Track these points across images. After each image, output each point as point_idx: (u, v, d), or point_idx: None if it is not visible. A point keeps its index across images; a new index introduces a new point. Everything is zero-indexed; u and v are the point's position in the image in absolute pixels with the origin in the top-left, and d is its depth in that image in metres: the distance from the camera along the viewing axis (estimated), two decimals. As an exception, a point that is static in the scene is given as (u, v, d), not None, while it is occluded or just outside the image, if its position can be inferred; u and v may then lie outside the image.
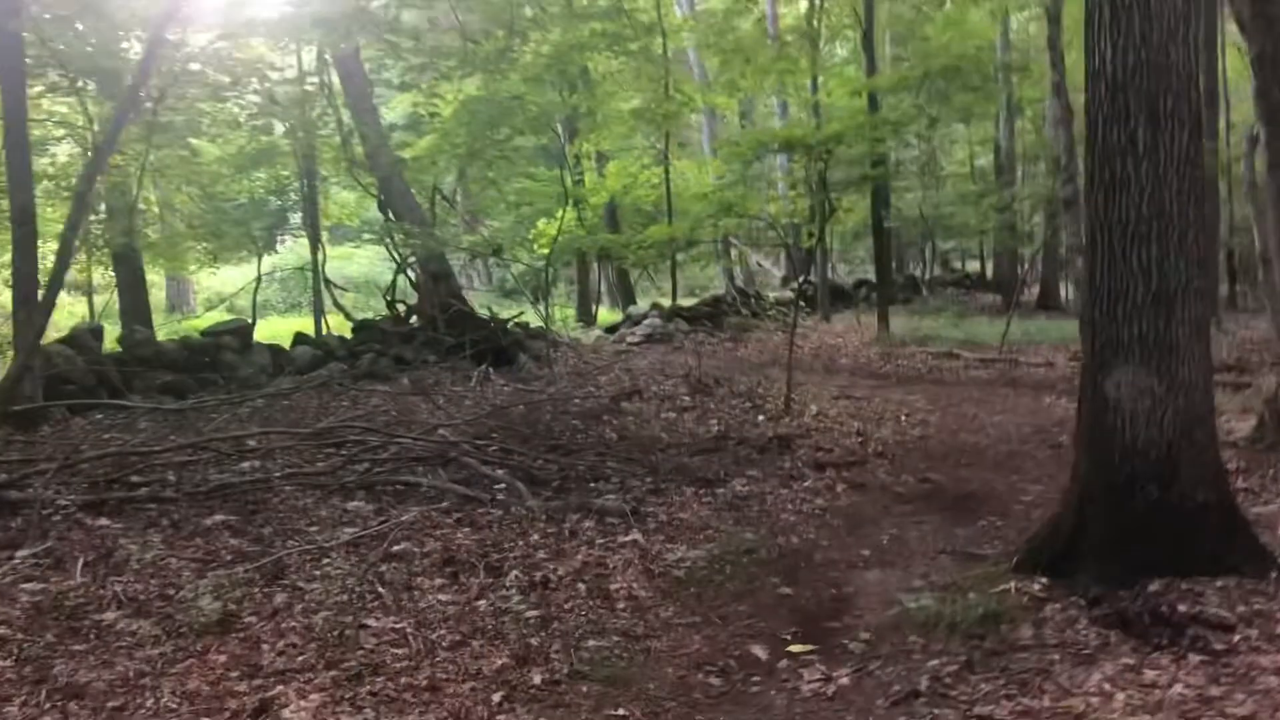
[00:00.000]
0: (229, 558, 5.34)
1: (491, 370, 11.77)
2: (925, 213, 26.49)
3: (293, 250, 25.05)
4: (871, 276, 28.84)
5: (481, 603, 4.60)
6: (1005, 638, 3.90)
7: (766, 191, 20.82)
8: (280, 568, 5.12)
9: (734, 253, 29.30)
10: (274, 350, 11.46)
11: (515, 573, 4.96)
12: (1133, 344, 4.30)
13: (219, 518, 6.09)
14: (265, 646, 4.02)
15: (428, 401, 9.92)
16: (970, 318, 21.51)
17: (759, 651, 4.08)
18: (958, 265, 35.40)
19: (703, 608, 4.58)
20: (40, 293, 7.81)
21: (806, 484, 6.84)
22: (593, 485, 6.77)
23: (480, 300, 24.28)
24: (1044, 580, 4.31)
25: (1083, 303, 4.42)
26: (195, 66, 12.82)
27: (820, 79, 20.43)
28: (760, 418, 9.24)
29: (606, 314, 21.38)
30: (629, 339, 16.91)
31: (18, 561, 5.06)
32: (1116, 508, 4.26)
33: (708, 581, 4.89)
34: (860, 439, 8.21)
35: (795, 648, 4.11)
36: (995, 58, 21.91)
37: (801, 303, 22.47)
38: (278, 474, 6.97)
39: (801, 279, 22.65)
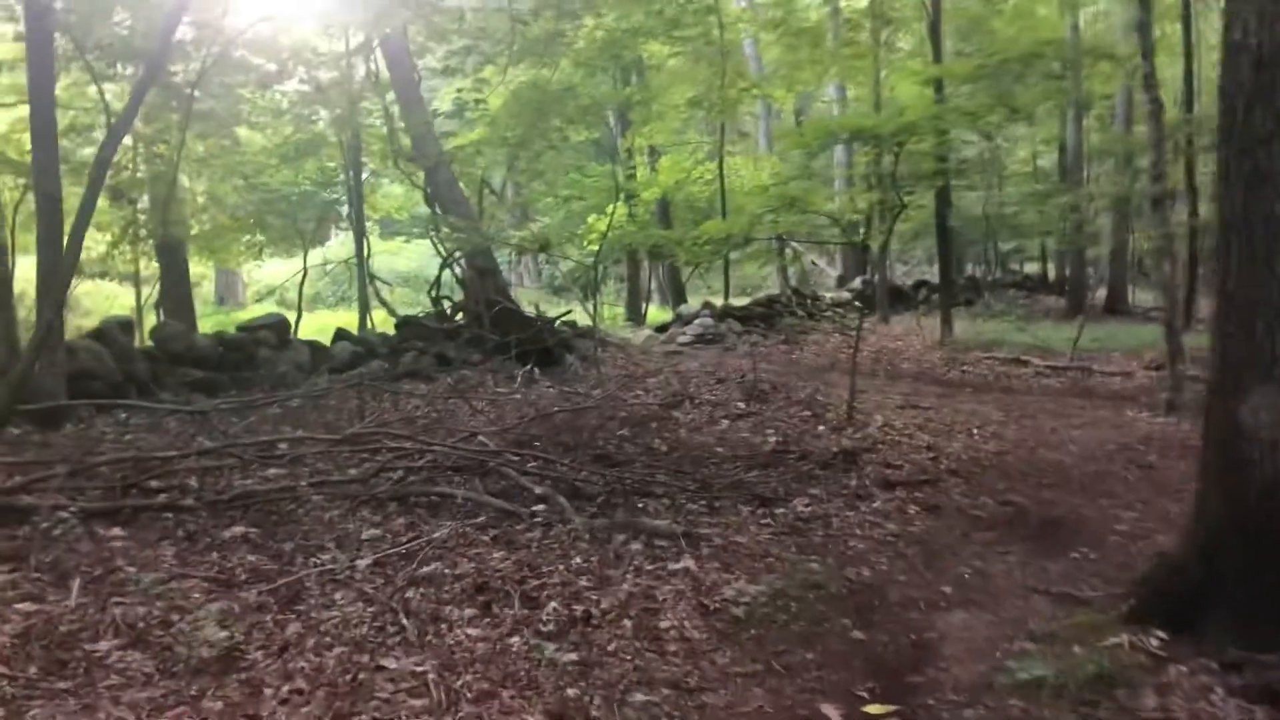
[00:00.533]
0: (244, 577, 4.91)
1: (537, 371, 11.31)
2: (988, 212, 25.58)
3: (344, 243, 24.87)
4: (930, 277, 28.06)
5: (515, 640, 4.10)
6: (1124, 706, 3.32)
7: (822, 190, 20.14)
8: (297, 591, 4.67)
9: (788, 252, 28.68)
10: (313, 347, 11.09)
11: (554, 604, 4.45)
12: (1274, 363, 3.67)
13: (238, 530, 5.67)
14: (268, 691, 3.55)
15: (469, 404, 9.47)
16: (1035, 322, 20.64)
17: (831, 712, 3.53)
18: (1015, 267, 34.32)
19: (764, 654, 4.03)
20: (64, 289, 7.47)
21: (875, 505, 6.25)
22: (641, 501, 6.24)
23: (528, 298, 23.95)
24: (1163, 635, 3.70)
25: (1215, 315, 3.74)
26: (238, 54, 12.53)
27: (884, 73, 19.70)
28: (821, 428, 8.65)
29: (657, 313, 20.87)
30: (679, 339, 16.37)
31: (19, 576, 4.67)
32: (1255, 555, 3.64)
33: (769, 621, 4.33)
34: (931, 455, 7.59)
35: (873, 709, 3.55)
36: (1066, 50, 21.03)
37: (859, 304, 21.84)
38: (305, 482, 6.53)
39: (860, 279, 21.98)
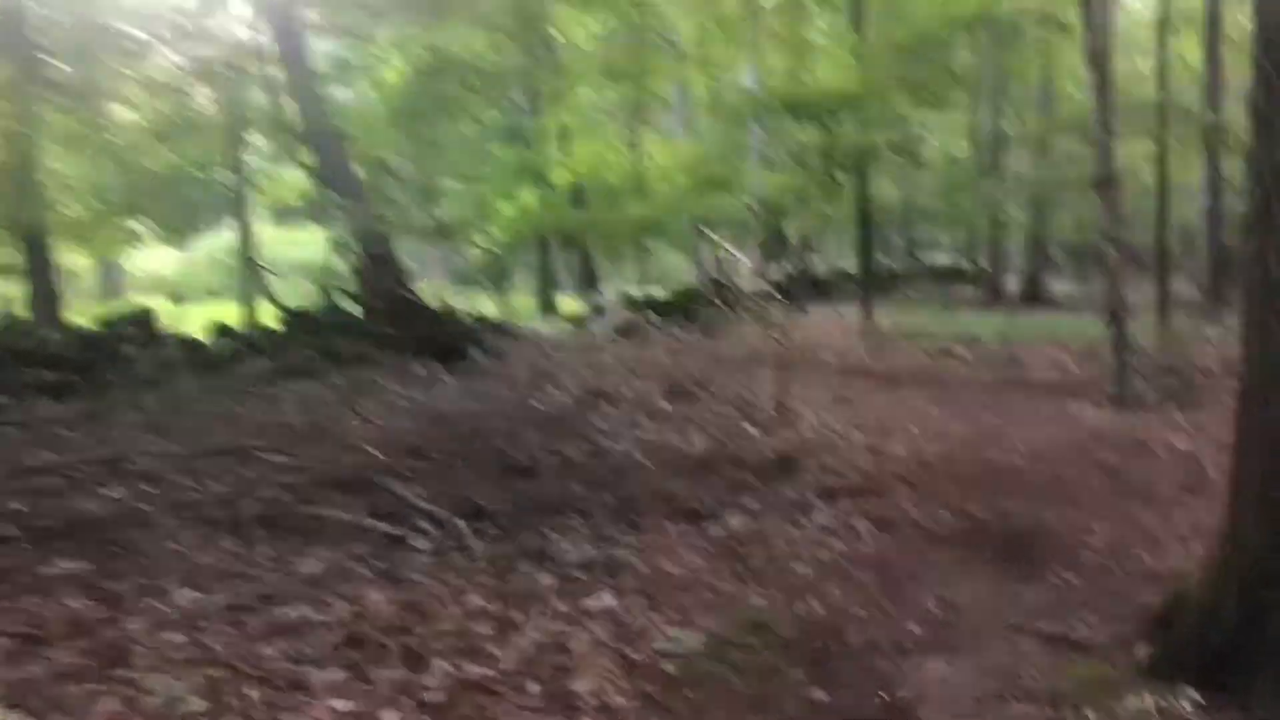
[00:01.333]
0: (62, 630, 3.95)
1: (440, 368, 10.37)
2: (907, 201, 25.32)
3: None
4: (846, 266, 27.71)
5: (389, 716, 3.24)
6: (1163, 796, 2.61)
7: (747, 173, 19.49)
8: (123, 649, 3.74)
9: (707, 240, 28.06)
10: (187, 343, 9.96)
11: (442, 664, 3.60)
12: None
13: (67, 566, 4.70)
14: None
15: (359, 407, 8.51)
16: (956, 311, 20.35)
17: (796, 814, 2.76)
18: (923, 257, 34.25)
19: (706, 727, 3.25)
20: None
21: (819, 520, 5.51)
22: (553, 521, 5.40)
23: (435, 289, 22.83)
24: (1196, 695, 3.01)
25: (1250, 306, 3.00)
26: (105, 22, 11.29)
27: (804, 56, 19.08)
28: (751, 428, 7.90)
29: (571, 303, 20.00)
30: (595, 331, 15.54)
31: None
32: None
33: (710, 679, 3.54)
34: (873, 458, 6.90)
35: (849, 806, 2.79)
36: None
37: (777, 293, 21.28)
38: (156, 504, 5.55)
39: (779, 268, 21.38)
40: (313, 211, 11.33)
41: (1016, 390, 10.56)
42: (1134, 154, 22.57)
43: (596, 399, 9.07)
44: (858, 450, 7.14)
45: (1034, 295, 22.55)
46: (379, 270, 11.32)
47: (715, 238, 27.07)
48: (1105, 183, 8.48)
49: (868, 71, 10.21)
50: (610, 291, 20.05)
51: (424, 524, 5.25)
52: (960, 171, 27.57)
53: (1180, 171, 21.44)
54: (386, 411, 8.42)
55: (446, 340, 11.06)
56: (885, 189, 27.41)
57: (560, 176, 18.43)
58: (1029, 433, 7.94)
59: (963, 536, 5.32)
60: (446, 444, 6.90)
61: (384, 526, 5.18)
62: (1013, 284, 25.82)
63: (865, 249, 16.93)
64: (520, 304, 20.07)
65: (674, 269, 29.02)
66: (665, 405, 8.98)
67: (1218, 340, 13.82)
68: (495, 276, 22.53)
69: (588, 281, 19.98)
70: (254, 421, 7.65)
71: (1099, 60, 8.40)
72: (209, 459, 6.30)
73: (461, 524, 5.10)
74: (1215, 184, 17.17)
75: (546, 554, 4.78)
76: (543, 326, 16.40)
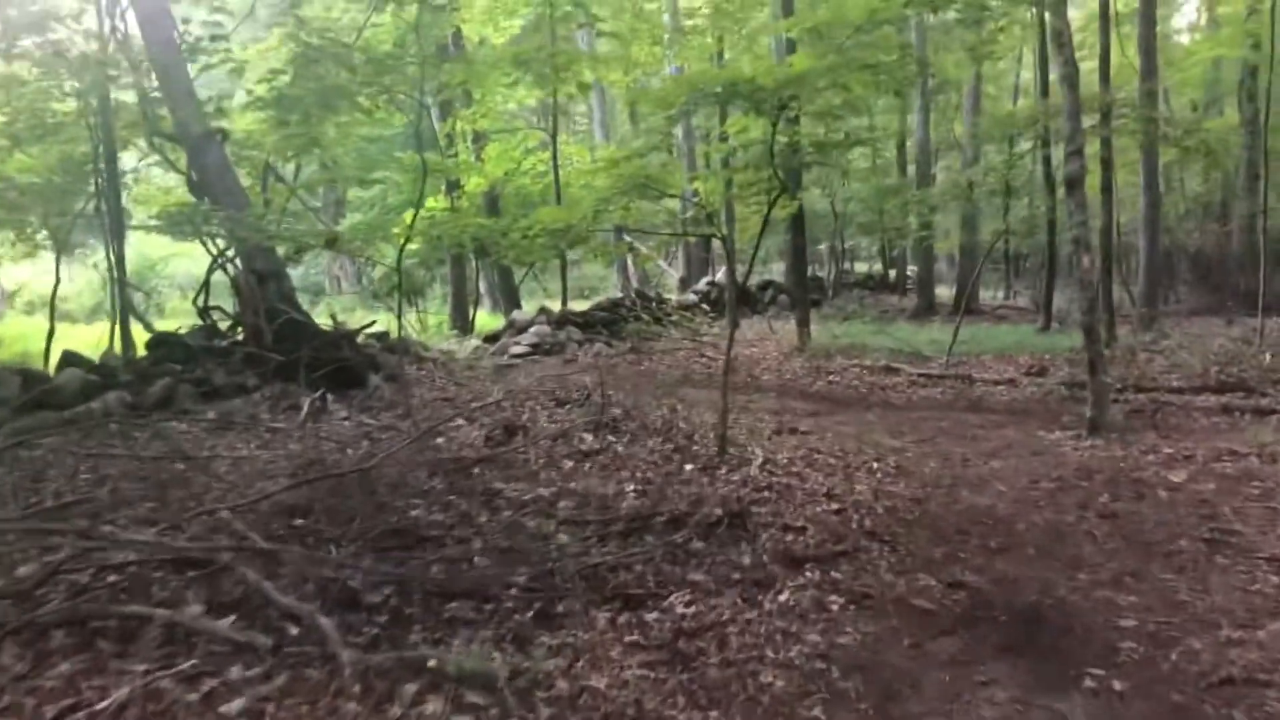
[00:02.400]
0: None
1: (330, 397, 9.08)
2: (835, 209, 24.61)
3: (131, 244, 21.62)
4: (775, 277, 26.92)
5: None
6: None
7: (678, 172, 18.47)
8: None
9: (632, 251, 26.96)
10: (27, 375, 8.51)
11: None
12: None
13: None
14: None
15: (226, 452, 7.20)
16: (889, 323, 19.61)
17: None
18: (849, 266, 33.65)
19: None
20: None
21: (783, 597, 4.43)
22: (447, 609, 4.23)
23: (344, 306, 21.42)
24: None
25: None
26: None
27: (727, 54, 18.19)
28: (689, 468, 6.80)
29: (488, 320, 18.73)
30: (512, 350, 14.34)
31: None
32: None
33: None
34: (836, 506, 5.84)
35: None
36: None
37: (705, 306, 20.30)
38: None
39: (705, 280, 20.44)
40: (188, 221, 9.90)
41: (972, 412, 9.67)
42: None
43: (510, 435, 7.88)
44: (816, 496, 6.08)
45: (965, 305, 21.88)
46: (263, 286, 9.96)
47: (641, 247, 26.10)
48: (1075, 182, 7.59)
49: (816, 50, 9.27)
50: (531, 306, 18.87)
51: (279, 622, 4.04)
52: (884, 177, 27.05)
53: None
54: (257, 458, 7.12)
55: (341, 366, 9.76)
56: (812, 198, 26.75)
57: (473, 184, 17.21)
58: (1005, 468, 6.99)
59: (961, 617, 4.29)
60: (324, 501, 5.65)
61: (225, 628, 3.95)
62: (940, 293, 25.36)
63: (799, 258, 16.01)
64: (435, 321, 18.75)
65: (597, 281, 27.94)
66: (590, 439, 7.83)
67: (1166, 352, 13.22)
68: (409, 291, 21.17)
69: (506, 296, 18.72)
70: (82, 477, 6.29)
71: (1064, 45, 7.52)
72: (10, 533, 4.97)
73: (326, 623, 3.90)
74: (1153, 185, 16.65)
75: (434, 669, 3.60)
76: (457, 346, 15.14)
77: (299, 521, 5.30)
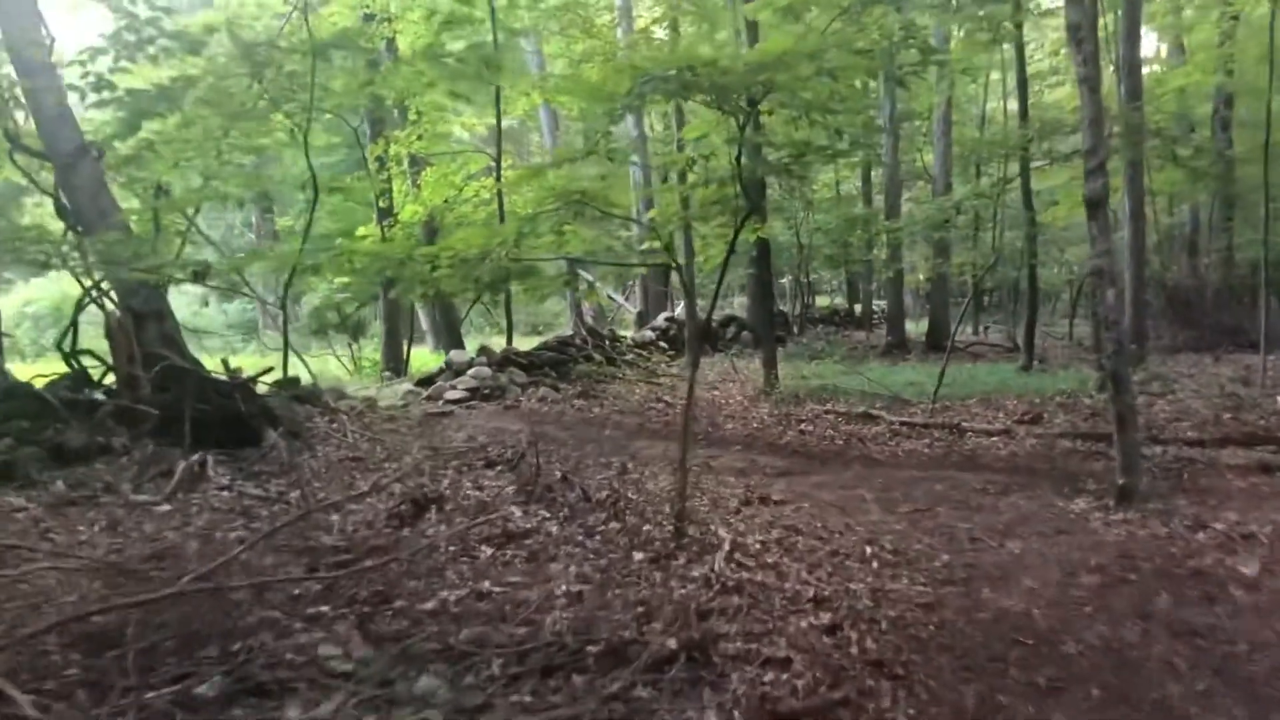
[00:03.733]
0: None
1: (210, 460, 7.58)
2: (800, 240, 23.44)
3: (53, 279, 19.93)
4: (737, 312, 25.67)
5: None
6: None
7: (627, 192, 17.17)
8: None
9: (583, 284, 25.59)
10: None
11: None
12: None
13: None
14: None
15: (57, 541, 5.70)
16: (859, 362, 18.37)
17: None
18: (811, 301, 32.45)
19: None
20: None
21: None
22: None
23: (275, 344, 19.83)
24: None
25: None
26: None
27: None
28: (639, 557, 5.40)
29: (430, 358, 17.23)
30: (447, 396, 12.88)
31: None
32: None
33: None
34: (827, 620, 4.45)
35: None
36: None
37: (663, 344, 18.96)
38: None
39: (663, 316, 19.16)
40: (58, 253, 8.41)
41: (971, 470, 8.36)
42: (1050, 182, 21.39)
43: (423, 510, 6.44)
44: (800, 604, 4.69)
45: (938, 341, 20.74)
46: (140, 328, 8.47)
47: (587, 277, 24.74)
48: (1097, 202, 6.35)
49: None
50: (475, 345, 17.45)
51: None
52: (847, 208, 26.02)
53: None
54: (96, 547, 5.62)
55: (233, 420, 8.27)
56: (774, 229, 25.61)
57: (408, 211, 15.79)
58: (1028, 553, 5.65)
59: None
60: (162, 614, 4.18)
61: None
62: (908, 328, 24.23)
63: (765, 292, 14.71)
64: (371, 362, 17.24)
65: (558, 317, 26.49)
66: (518, 515, 6.42)
67: (1167, 397, 12.06)
68: (346, 329, 19.66)
69: (449, 333, 17.25)
70: None
71: (1083, 42, 6.30)
72: None
73: None
74: (1138, 211, 15.60)
75: None
76: (387, 390, 13.65)
77: (124, 645, 3.81)
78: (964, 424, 10.50)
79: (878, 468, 8.74)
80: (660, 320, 19.63)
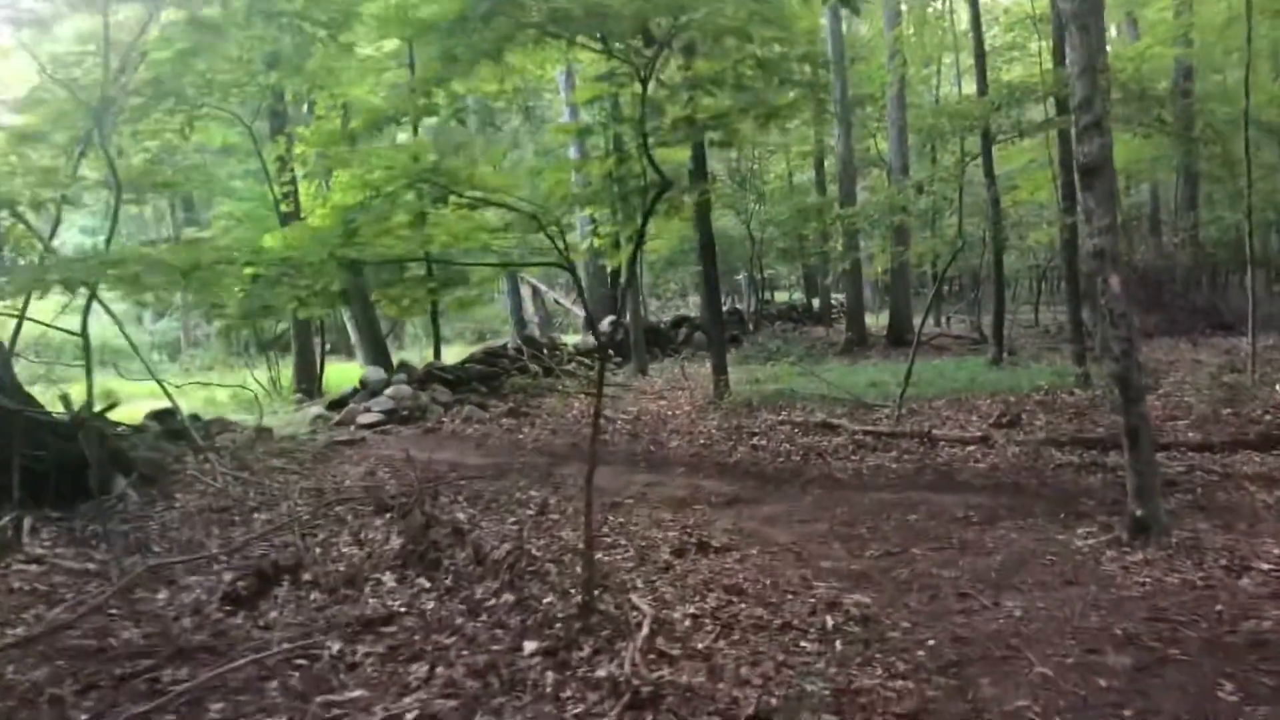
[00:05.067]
0: None
1: (28, 522, 6.19)
2: (753, 233, 22.24)
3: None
4: (690, 312, 24.44)
5: None
6: None
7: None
8: None
9: (525, 287, 24.22)
10: None
11: None
12: None
13: None
14: None
15: None
16: (818, 361, 17.19)
17: None
18: (769, 297, 31.18)
19: None
20: None
21: None
22: None
23: (204, 363, 18.28)
24: None
25: None
26: None
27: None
28: (531, 648, 4.11)
29: (357, 374, 15.79)
30: (360, 420, 11.51)
31: None
32: None
33: None
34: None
35: None
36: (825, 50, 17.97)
37: (610, 351, 17.64)
38: None
39: (609, 319, 17.87)
40: None
41: (949, 491, 7.15)
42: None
43: (270, 584, 5.10)
44: (739, 712, 3.43)
45: (900, 336, 19.63)
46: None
47: (536, 284, 23.41)
48: (1096, 169, 5.15)
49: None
50: (411, 358, 16.11)
51: None
52: (801, 198, 24.88)
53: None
54: None
55: (73, 468, 6.88)
56: (726, 223, 24.40)
57: (319, 218, 14.33)
58: (1031, 614, 4.41)
59: None
60: None
61: None
62: (868, 322, 23.12)
63: (712, 289, 13.41)
64: (283, 381, 15.78)
65: (505, 324, 25.00)
66: (392, 584, 5.11)
67: (1159, 391, 10.94)
68: (262, 345, 18.16)
69: (373, 346, 15.80)
70: None
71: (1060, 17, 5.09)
72: None
73: None
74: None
75: None
76: (295, 417, 12.25)
77: None
78: (935, 431, 9.30)
79: (840, 490, 7.51)
80: (605, 325, 18.26)
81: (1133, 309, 5.39)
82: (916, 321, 24.85)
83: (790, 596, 4.80)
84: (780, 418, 10.74)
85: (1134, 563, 4.95)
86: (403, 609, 4.71)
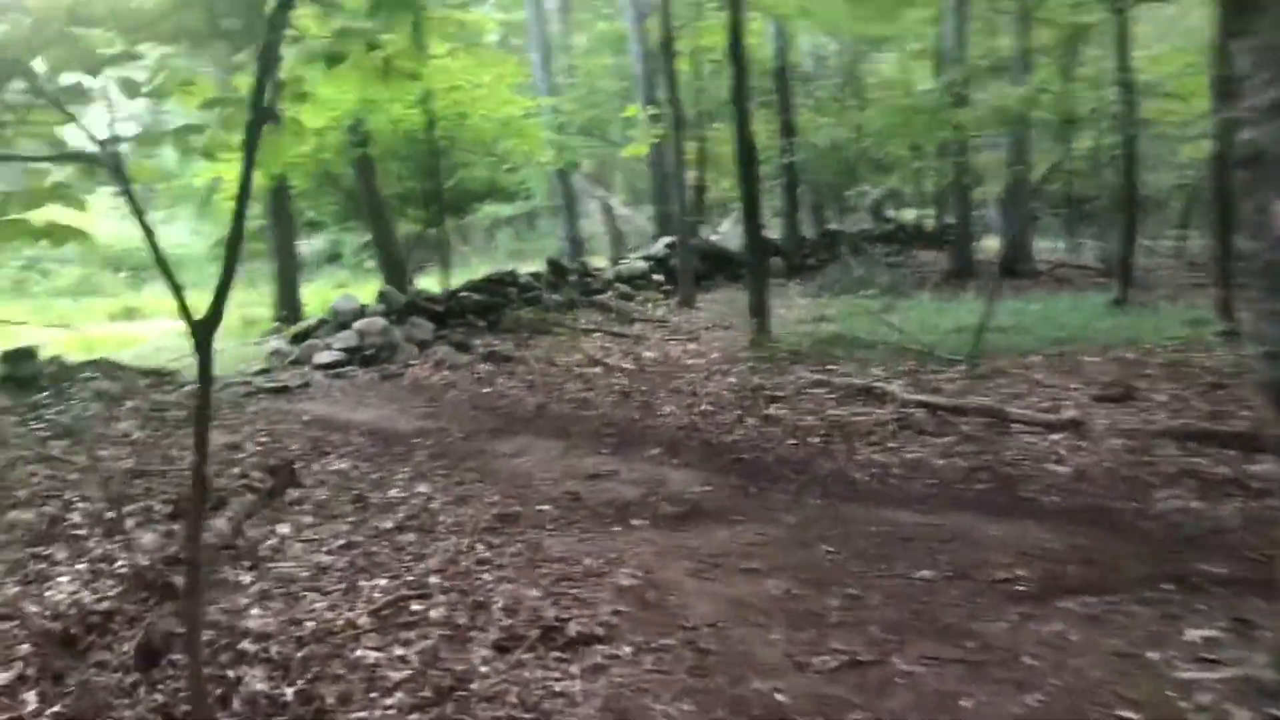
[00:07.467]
0: None
1: None
2: (848, 144, 19.40)
3: None
4: (771, 233, 21.80)
5: None
6: None
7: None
8: None
9: (593, 203, 21.99)
10: None
11: None
12: None
13: None
14: None
15: None
16: (906, 295, 14.59)
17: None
18: (891, 214, 27.92)
19: None
20: None
21: None
22: None
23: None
24: None
25: None
26: None
27: None
28: None
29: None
30: (316, 359, 9.65)
31: None
32: None
33: None
34: None
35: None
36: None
37: (659, 277, 15.35)
38: None
39: (666, 240, 15.60)
40: None
41: (1001, 518, 4.78)
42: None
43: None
44: None
45: (1015, 265, 16.70)
46: None
47: (601, 192, 21.12)
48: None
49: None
50: (431, 283, 14.30)
51: None
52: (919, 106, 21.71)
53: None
54: None
55: None
56: (823, 132, 21.53)
57: (312, 116, 12.45)
58: None
59: None
60: None
61: None
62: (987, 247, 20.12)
63: (751, 209, 10.75)
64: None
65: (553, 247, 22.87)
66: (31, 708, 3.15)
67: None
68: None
69: (389, 267, 13.92)
70: None
71: None
72: None
73: None
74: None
75: None
76: (244, 352, 10.48)
77: None
78: (1011, 407, 6.84)
79: (847, 504, 5.22)
80: (659, 247, 15.93)
81: None
82: (1042, 245, 21.79)
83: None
84: (817, 377, 8.38)
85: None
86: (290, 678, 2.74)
